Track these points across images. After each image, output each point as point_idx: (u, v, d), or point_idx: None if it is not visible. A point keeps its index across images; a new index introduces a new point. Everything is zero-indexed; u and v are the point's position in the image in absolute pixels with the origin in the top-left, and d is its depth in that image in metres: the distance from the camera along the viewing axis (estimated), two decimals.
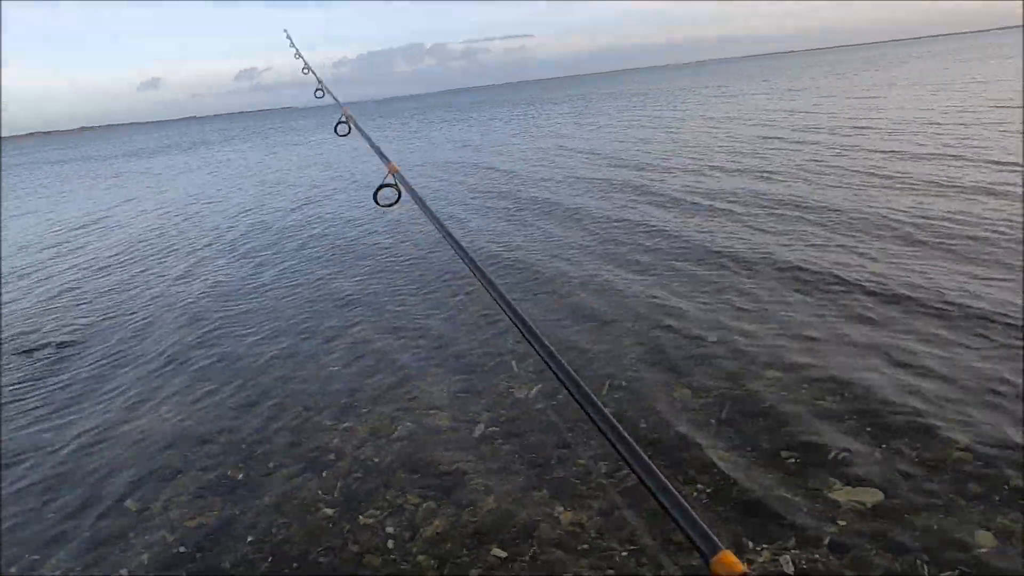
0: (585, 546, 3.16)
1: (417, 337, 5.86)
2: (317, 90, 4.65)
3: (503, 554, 3.18)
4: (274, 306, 7.26)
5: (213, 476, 4.05)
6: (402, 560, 3.18)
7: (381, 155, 2.66)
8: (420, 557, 3.17)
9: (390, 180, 2.24)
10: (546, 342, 1.20)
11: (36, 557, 3.51)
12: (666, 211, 9.64)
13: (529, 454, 3.92)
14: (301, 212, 13.44)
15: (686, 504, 0.86)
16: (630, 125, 24.29)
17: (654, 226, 8.79)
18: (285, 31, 5.72)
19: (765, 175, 11.42)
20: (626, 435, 0.96)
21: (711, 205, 9.66)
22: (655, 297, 6.14)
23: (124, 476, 4.16)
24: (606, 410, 1.03)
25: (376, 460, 4.01)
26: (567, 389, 1.11)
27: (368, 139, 3.27)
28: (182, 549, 3.44)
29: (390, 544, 3.28)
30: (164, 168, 30.91)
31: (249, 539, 3.46)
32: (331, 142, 34.27)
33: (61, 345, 6.80)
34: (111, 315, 7.72)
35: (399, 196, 2.24)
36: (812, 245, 7.24)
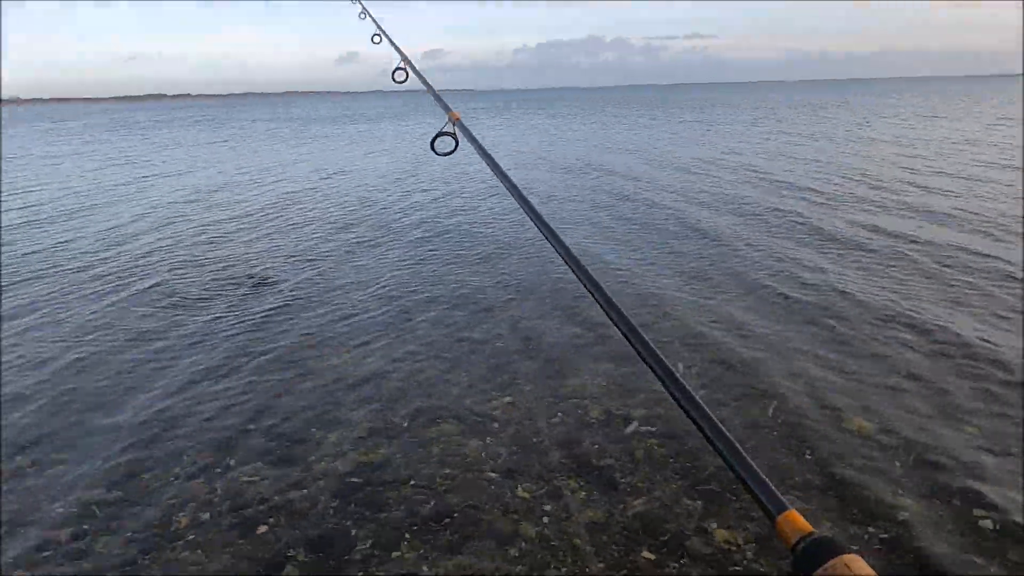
0: (738, 568, 3.08)
1: (578, 323, 5.98)
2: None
3: (651, 557, 3.18)
4: (439, 272, 7.72)
5: (382, 422, 4.39)
6: (555, 537, 3.28)
7: (441, 101, 2.51)
8: (575, 540, 3.26)
9: (449, 128, 2.14)
10: (642, 333, 1.06)
11: (231, 461, 4.00)
12: (828, 255, 8.22)
13: (684, 461, 3.88)
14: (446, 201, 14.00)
15: (754, 465, 0.83)
16: (808, 141, 22.76)
17: (814, 273, 7.43)
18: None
19: (975, 223, 9.97)
20: (694, 396, 0.94)
21: (891, 251, 8.33)
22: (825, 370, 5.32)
23: (310, 408, 4.62)
24: (697, 397, 0.96)
25: (534, 440, 4.15)
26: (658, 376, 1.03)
27: (427, 85, 2.81)
28: (354, 480, 3.78)
29: (546, 520, 3.40)
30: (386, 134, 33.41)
31: (412, 482, 3.73)
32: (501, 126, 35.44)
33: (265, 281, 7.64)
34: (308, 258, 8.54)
35: (456, 145, 2.17)
36: None
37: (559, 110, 57.39)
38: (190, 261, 8.71)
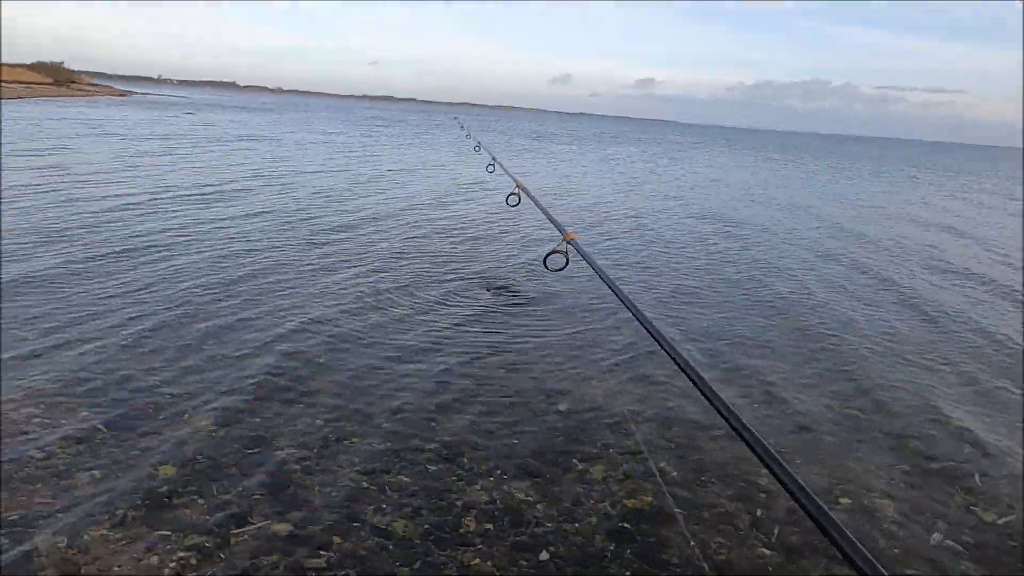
0: None
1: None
2: (489, 165, 4.86)
3: None
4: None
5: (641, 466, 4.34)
6: None
7: (555, 223, 2.61)
8: None
9: (562, 247, 2.26)
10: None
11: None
12: None
13: None
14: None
15: None
16: None
17: None
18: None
19: None
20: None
21: None
22: None
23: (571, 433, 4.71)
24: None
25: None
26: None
27: (541, 207, 2.96)
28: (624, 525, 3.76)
29: None
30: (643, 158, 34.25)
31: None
32: (724, 165, 34.45)
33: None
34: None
35: (567, 263, 2.28)
36: None
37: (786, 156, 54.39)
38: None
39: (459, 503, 3.86)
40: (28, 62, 75.43)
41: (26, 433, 4.11)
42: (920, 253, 13.19)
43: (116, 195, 12.41)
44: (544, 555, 3.48)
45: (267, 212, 11.99)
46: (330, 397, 4.94)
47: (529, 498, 3.95)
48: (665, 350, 1.56)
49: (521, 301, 7.60)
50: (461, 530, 3.64)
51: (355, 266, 8.67)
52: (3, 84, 49.33)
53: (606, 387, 5.48)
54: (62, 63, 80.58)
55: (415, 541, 3.49)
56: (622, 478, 4.20)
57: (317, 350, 5.77)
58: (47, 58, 78.97)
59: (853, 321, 7.92)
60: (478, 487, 4.04)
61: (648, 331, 1.70)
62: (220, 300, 6.90)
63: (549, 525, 3.71)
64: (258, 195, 13.87)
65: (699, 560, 3.49)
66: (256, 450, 4.16)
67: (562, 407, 5.09)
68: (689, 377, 1.47)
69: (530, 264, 9.30)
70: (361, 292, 7.50)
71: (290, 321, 6.44)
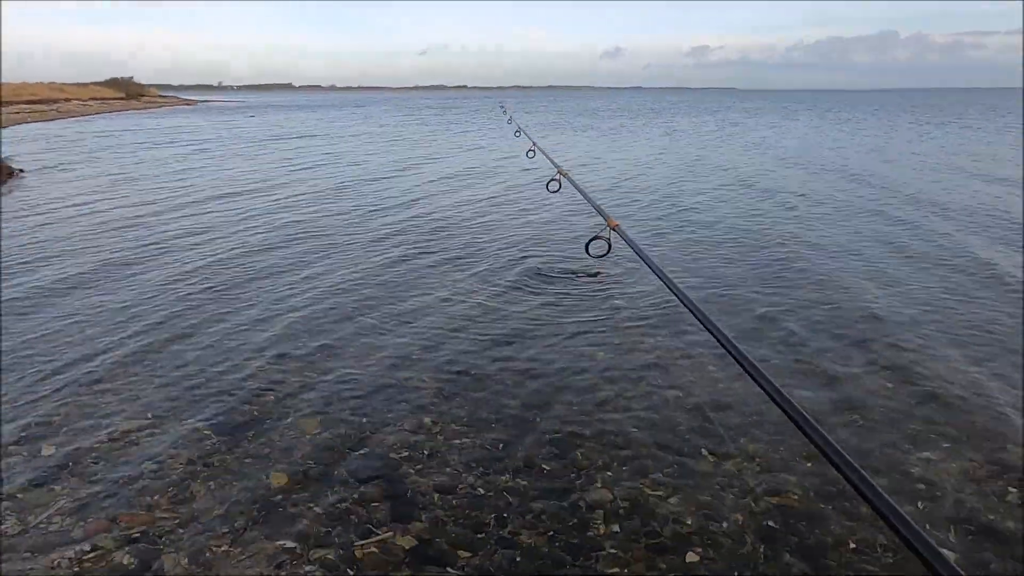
0: None
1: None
2: (529, 151, 4.80)
3: None
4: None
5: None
6: None
7: (598, 209, 2.53)
8: None
9: (604, 234, 2.23)
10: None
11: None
12: None
13: None
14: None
15: None
16: None
17: None
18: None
19: None
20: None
21: None
22: None
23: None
24: None
25: None
26: None
27: (584, 194, 2.78)
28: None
29: None
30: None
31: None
32: (779, 126, 32.91)
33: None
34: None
35: (609, 248, 2.24)
36: None
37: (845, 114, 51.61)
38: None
39: (582, 503, 3.60)
40: (101, 80, 79.16)
41: (136, 444, 4.07)
42: None
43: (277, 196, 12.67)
44: (692, 556, 3.18)
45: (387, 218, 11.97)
46: (432, 396, 4.74)
47: (658, 494, 3.64)
48: (719, 340, 1.53)
49: (597, 289, 7.24)
50: (590, 533, 3.37)
51: (462, 268, 8.47)
52: (82, 102, 51.85)
53: (713, 376, 5.09)
54: (131, 78, 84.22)
55: (543, 550, 3.24)
56: (758, 471, 3.83)
57: (411, 348, 5.59)
58: (116, 74, 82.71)
59: None
60: (598, 484, 3.76)
61: (702, 323, 1.65)
62: (295, 294, 6.83)
63: (690, 523, 3.40)
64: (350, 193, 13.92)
65: (861, 563, 3.12)
66: (364, 451, 4.00)
67: (671, 394, 4.74)
68: (750, 376, 1.42)
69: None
70: (456, 289, 7.29)
71: (383, 319, 6.31)
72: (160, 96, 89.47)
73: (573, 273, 7.51)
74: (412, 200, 12.80)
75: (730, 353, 1.49)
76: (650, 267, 1.98)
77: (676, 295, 1.79)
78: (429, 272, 7.81)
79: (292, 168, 18.11)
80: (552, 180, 3.49)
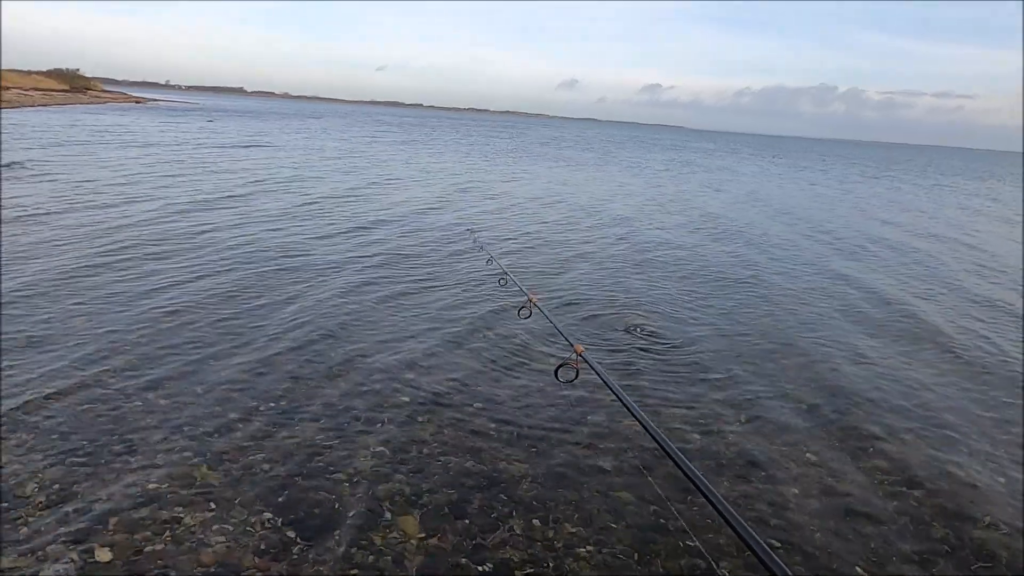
0: None
1: None
2: (500, 278, 4.60)
3: None
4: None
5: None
6: None
7: (565, 336, 2.75)
8: None
9: (572, 358, 2.36)
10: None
11: None
12: None
13: None
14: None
15: None
16: None
17: None
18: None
19: None
20: None
21: None
22: None
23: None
24: None
25: None
26: None
27: (552, 321, 3.07)
28: None
29: None
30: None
31: None
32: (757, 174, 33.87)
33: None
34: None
35: (576, 374, 2.34)
36: None
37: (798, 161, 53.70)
38: None
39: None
40: (43, 69, 75.45)
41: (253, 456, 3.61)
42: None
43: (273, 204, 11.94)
44: None
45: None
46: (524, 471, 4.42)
47: None
48: (680, 468, 1.68)
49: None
50: None
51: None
52: (24, 92, 49.21)
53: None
54: (77, 70, 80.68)
55: None
56: None
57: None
58: (57, 64, 79.12)
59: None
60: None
61: (661, 446, 1.76)
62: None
63: None
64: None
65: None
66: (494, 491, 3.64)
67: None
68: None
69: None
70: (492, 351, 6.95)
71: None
72: (105, 91, 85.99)
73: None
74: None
75: (695, 484, 1.60)
76: (613, 391, 2.10)
77: (639, 420, 1.91)
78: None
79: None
80: (522, 308, 3.55)
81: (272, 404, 4.80)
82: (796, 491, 4.12)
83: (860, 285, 10.09)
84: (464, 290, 8.22)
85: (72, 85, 71.19)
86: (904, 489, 4.26)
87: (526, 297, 3.69)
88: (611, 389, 2.11)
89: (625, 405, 2.01)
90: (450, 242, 11.11)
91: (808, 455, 4.62)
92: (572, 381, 2.41)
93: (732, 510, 1.49)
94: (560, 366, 2.42)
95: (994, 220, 21.54)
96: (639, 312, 7.80)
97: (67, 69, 78.12)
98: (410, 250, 10.29)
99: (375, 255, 9.75)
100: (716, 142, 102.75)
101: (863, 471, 4.45)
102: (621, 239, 12.79)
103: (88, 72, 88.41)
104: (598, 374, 2.21)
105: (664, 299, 8.52)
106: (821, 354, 6.75)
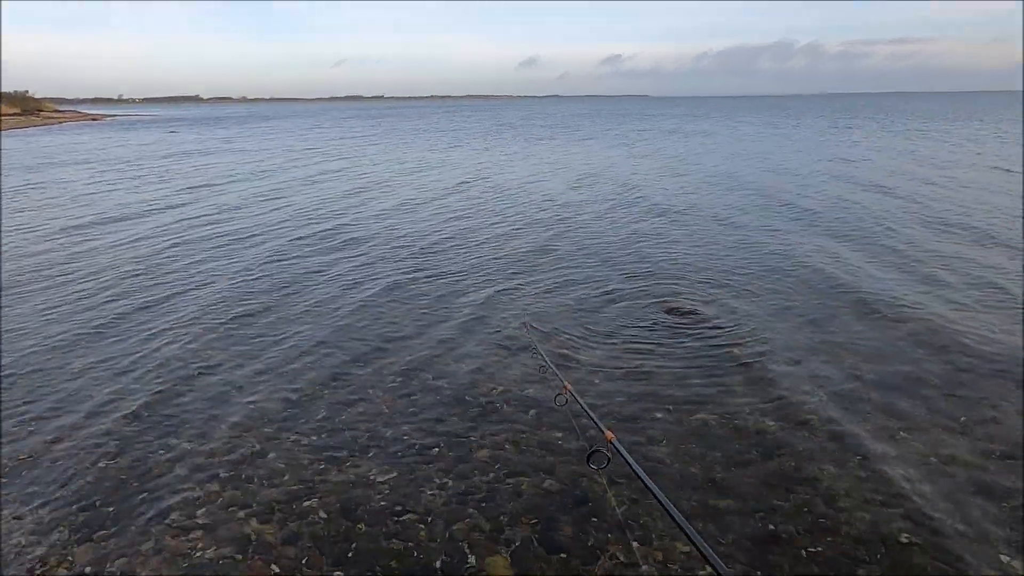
0: None
1: None
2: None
3: None
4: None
5: None
6: None
7: (596, 423, 2.80)
8: None
9: (603, 448, 2.46)
10: None
11: None
12: None
13: None
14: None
15: None
16: None
17: None
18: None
19: None
20: None
21: None
22: None
23: None
24: None
25: None
26: None
27: (585, 409, 3.15)
28: None
29: None
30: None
31: None
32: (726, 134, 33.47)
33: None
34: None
35: (609, 460, 2.44)
36: None
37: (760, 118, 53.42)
38: None
39: None
40: None
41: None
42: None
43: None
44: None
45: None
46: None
47: None
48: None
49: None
50: None
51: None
52: None
53: None
54: (27, 92, 78.07)
55: None
56: None
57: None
58: (3, 88, 76.65)
59: None
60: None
61: (693, 543, 1.78)
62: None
63: None
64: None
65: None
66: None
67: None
68: None
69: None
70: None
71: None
72: (57, 111, 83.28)
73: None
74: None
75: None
76: (642, 481, 2.20)
77: (667, 511, 1.96)
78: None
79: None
80: (558, 395, 3.52)
81: (314, 438, 4.33)
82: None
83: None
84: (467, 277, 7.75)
85: (23, 108, 68.86)
86: None
87: (562, 385, 3.64)
88: (641, 480, 2.20)
89: (657, 498, 2.07)
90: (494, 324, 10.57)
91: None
92: (604, 467, 2.53)
93: None
94: (592, 452, 2.53)
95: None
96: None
97: (16, 92, 75.53)
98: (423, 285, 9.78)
99: (389, 275, 9.25)
100: (681, 106, 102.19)
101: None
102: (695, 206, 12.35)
103: (38, 93, 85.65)
104: (627, 461, 2.33)
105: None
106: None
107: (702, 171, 19.12)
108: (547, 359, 4.58)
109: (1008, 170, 17.52)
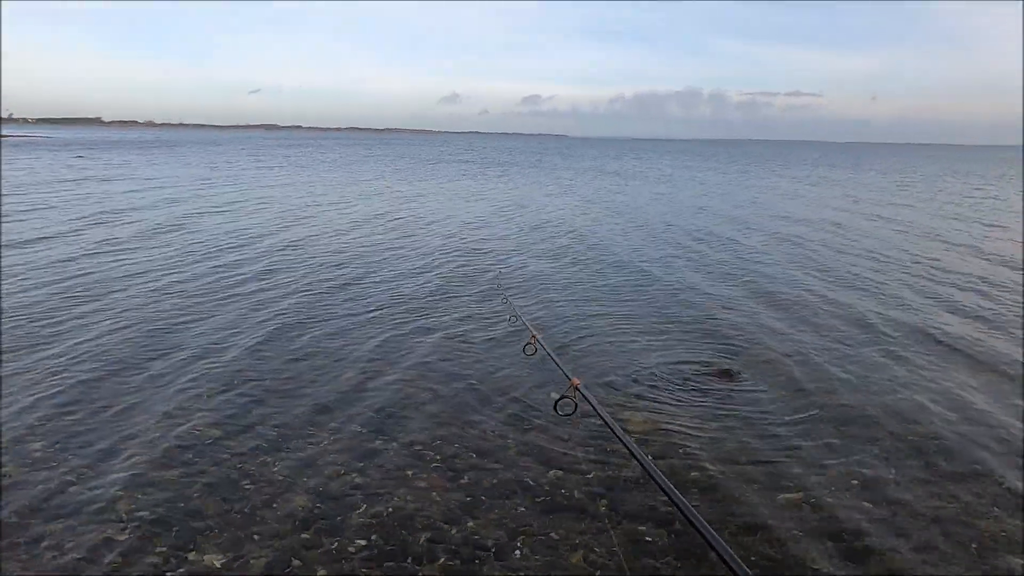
0: None
1: None
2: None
3: None
4: None
5: None
6: None
7: (563, 370, 2.88)
8: None
9: (570, 393, 2.47)
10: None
11: None
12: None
13: None
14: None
15: None
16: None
17: None
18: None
19: None
20: None
21: None
22: None
23: None
24: None
25: None
26: None
27: (552, 357, 3.28)
28: None
29: None
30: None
31: None
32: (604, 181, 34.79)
33: None
34: None
35: (575, 408, 2.44)
36: None
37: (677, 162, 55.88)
38: None
39: None
40: None
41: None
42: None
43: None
44: None
45: None
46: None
47: None
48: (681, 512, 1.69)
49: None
50: None
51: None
52: None
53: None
54: None
55: None
56: None
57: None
58: None
59: None
60: None
61: (656, 482, 1.79)
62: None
63: None
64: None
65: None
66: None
67: None
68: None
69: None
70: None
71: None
72: None
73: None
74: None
75: (690, 523, 1.62)
76: (606, 423, 2.20)
77: (633, 455, 1.96)
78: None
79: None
80: (527, 344, 3.57)
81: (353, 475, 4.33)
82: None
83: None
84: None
85: None
86: None
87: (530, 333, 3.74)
88: (606, 422, 2.20)
89: (621, 440, 2.08)
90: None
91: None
92: (571, 415, 2.50)
93: (715, 534, 1.50)
94: (559, 399, 2.49)
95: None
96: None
97: None
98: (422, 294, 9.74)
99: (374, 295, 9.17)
100: (597, 148, 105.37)
101: None
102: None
103: None
104: (592, 406, 2.33)
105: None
106: None
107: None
108: (518, 312, 4.87)
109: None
